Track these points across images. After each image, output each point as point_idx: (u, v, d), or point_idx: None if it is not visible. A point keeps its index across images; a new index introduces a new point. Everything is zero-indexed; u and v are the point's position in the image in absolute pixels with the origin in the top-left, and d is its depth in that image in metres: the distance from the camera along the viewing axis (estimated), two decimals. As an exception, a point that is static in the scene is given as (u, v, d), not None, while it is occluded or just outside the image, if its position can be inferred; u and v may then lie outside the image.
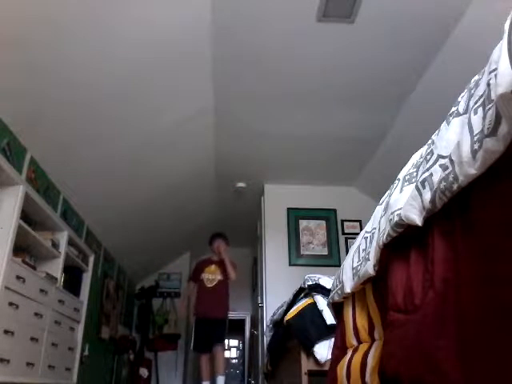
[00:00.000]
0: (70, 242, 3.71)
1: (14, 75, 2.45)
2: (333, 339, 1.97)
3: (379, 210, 1.30)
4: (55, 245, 3.40)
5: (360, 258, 1.40)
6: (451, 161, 0.78)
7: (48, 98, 2.71)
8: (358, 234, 1.82)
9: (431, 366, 0.84)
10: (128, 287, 6.11)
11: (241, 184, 5.00)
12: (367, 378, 1.29)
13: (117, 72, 2.82)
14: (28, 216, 3.06)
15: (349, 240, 4.59)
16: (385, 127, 3.88)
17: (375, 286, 1.35)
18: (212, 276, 4.13)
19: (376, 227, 1.27)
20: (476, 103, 0.74)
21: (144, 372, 5.57)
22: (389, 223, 1.07)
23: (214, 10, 2.66)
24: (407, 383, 0.98)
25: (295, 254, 4.56)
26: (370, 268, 1.25)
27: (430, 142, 0.99)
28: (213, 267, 4.18)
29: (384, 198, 1.31)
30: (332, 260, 4.51)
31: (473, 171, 0.70)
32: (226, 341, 11.18)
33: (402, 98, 3.48)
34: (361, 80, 3.29)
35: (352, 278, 1.46)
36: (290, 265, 4.52)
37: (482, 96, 0.72)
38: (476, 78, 0.82)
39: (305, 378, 2.30)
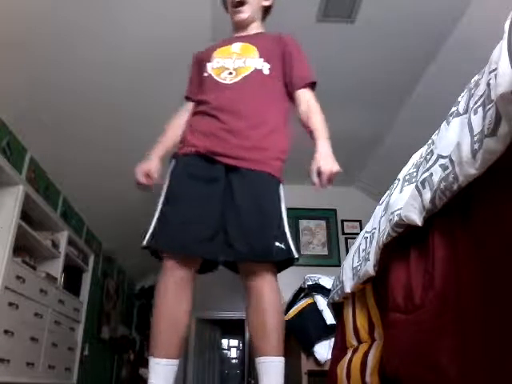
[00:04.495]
0: (70, 242, 3.71)
1: (14, 75, 2.45)
2: (333, 339, 1.97)
3: (379, 210, 1.31)
4: (55, 245, 3.39)
5: (360, 258, 1.40)
6: (451, 161, 0.78)
7: (48, 98, 2.71)
8: (358, 234, 1.82)
9: (431, 365, 0.84)
10: (128, 287, 6.11)
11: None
12: (367, 378, 1.28)
13: (116, 73, 2.82)
14: (28, 216, 3.06)
15: (349, 240, 4.58)
16: (385, 127, 3.87)
17: (375, 286, 1.35)
18: (234, 62, 1.54)
19: (376, 227, 1.27)
20: (476, 103, 0.74)
21: (144, 372, 5.57)
22: (389, 223, 1.07)
23: (214, 9, 2.66)
24: (407, 383, 0.98)
25: (295, 254, 4.56)
26: (370, 268, 1.25)
27: (430, 142, 0.99)
28: (237, 46, 1.59)
29: (384, 197, 1.31)
30: (332, 260, 4.51)
31: (473, 171, 0.70)
32: (225, 341, 10.56)
33: (402, 98, 3.48)
34: (361, 80, 3.29)
35: (352, 278, 1.46)
36: (290, 265, 4.51)
37: (482, 96, 0.72)
38: (476, 78, 0.82)
39: (305, 378, 2.30)
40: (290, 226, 1.33)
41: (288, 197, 4.88)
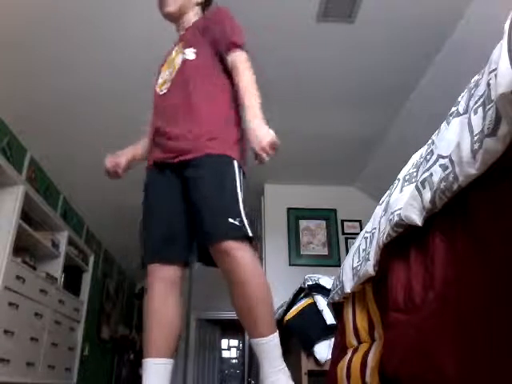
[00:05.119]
0: (70, 242, 3.72)
1: (14, 77, 2.45)
2: (333, 339, 1.97)
3: (379, 210, 1.30)
4: (55, 245, 3.40)
5: (360, 258, 1.40)
6: (451, 161, 0.78)
7: (48, 98, 2.71)
8: (358, 234, 1.82)
9: (431, 365, 0.84)
10: (128, 287, 6.11)
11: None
12: (367, 378, 1.28)
13: (116, 73, 2.82)
14: (28, 216, 3.06)
15: (349, 240, 4.58)
16: (385, 127, 3.87)
17: (375, 286, 1.35)
18: (170, 71, 1.51)
19: (376, 227, 1.27)
20: (476, 103, 0.74)
21: (144, 372, 5.57)
22: (389, 223, 1.07)
23: (214, 10, 2.66)
24: (407, 383, 0.98)
25: (295, 254, 4.56)
26: (370, 268, 1.25)
27: (430, 141, 0.99)
28: (175, 52, 1.53)
29: (384, 197, 1.31)
30: (332, 260, 4.51)
31: (473, 171, 0.70)
32: (225, 341, 10.56)
33: (403, 98, 3.48)
34: (361, 80, 3.29)
35: (352, 278, 1.46)
36: (290, 265, 4.51)
37: (482, 96, 0.72)
38: (476, 78, 0.82)
39: (305, 378, 2.30)
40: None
41: (288, 197, 4.89)
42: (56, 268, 3.39)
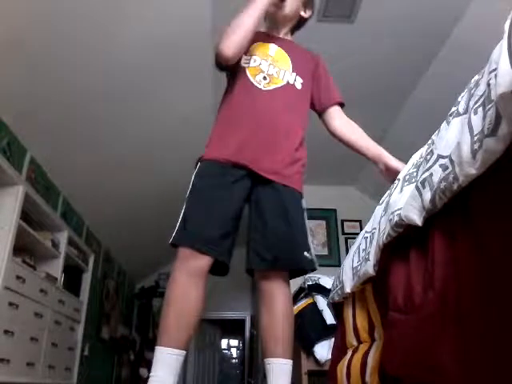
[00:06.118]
0: (70, 242, 3.72)
1: (14, 76, 2.45)
2: (333, 339, 1.97)
3: (379, 209, 1.30)
4: (55, 245, 3.40)
5: (360, 258, 1.40)
6: (451, 161, 0.78)
7: (48, 98, 2.71)
8: (358, 234, 1.82)
9: (431, 365, 0.84)
10: (128, 287, 6.11)
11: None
12: (367, 378, 1.29)
13: (116, 73, 2.82)
14: (28, 216, 3.06)
15: (349, 240, 4.59)
16: (384, 127, 3.88)
17: (375, 285, 1.35)
18: (268, 66, 1.50)
19: (376, 227, 1.27)
20: (476, 103, 0.74)
21: (144, 372, 5.57)
22: (389, 223, 1.07)
23: (214, 9, 2.66)
24: (407, 383, 0.98)
25: (295, 254, 4.56)
26: (370, 268, 1.25)
27: (430, 142, 0.99)
28: (273, 49, 1.55)
29: (384, 198, 1.31)
30: (332, 260, 4.51)
31: (473, 171, 0.70)
32: (225, 341, 10.56)
33: (402, 98, 3.48)
34: (360, 80, 3.29)
35: (352, 278, 1.46)
36: (290, 265, 4.52)
37: (482, 96, 0.72)
38: (476, 77, 0.82)
39: (305, 378, 2.30)
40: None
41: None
42: (56, 268, 3.39)
